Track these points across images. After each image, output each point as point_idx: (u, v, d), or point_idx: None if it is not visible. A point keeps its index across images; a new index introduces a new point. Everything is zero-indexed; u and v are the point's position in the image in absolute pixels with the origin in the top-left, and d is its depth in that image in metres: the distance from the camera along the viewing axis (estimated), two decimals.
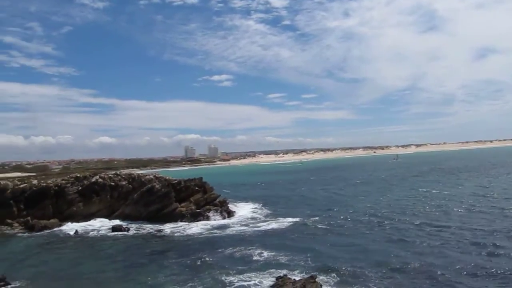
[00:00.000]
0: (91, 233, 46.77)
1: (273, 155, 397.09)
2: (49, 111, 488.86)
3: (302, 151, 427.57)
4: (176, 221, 50.31)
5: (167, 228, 47.18)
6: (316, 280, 22.09)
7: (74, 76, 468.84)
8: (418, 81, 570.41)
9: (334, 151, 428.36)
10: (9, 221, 52.41)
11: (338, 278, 25.42)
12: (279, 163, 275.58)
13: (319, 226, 43.14)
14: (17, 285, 25.96)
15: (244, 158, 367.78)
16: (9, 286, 26.40)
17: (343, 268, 27.39)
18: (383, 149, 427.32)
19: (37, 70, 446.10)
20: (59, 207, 55.57)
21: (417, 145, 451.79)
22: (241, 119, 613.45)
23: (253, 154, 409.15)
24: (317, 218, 47.67)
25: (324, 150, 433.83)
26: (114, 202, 56.84)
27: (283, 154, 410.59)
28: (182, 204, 53.55)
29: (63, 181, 58.71)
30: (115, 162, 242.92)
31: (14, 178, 69.49)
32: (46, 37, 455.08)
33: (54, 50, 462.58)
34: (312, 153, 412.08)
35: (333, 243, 35.04)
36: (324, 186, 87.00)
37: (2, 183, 58.02)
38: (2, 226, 51.59)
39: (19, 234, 48.02)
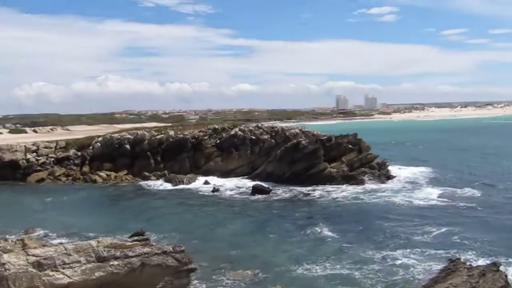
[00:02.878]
0: (229, 191, 50.13)
1: (447, 109, 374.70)
2: (185, 54, 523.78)
3: (487, 104, 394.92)
4: (324, 184, 51.16)
5: (315, 191, 48.27)
6: (499, 268, 20.71)
7: (210, 14, 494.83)
8: None
9: None
10: (146, 173, 58.75)
11: None
12: (458, 118, 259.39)
13: (501, 201, 40.42)
14: (154, 238, 29.08)
15: (409, 112, 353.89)
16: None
17: None
18: None
19: (171, 9, 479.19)
20: (196, 161, 60.64)
21: None
22: (407, 62, 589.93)
23: (421, 106, 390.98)
24: (497, 192, 44.67)
25: None
26: (255, 158, 59.88)
27: (461, 107, 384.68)
28: (332, 165, 54.12)
29: (201, 133, 63.58)
30: (256, 113, 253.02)
31: (150, 128, 77.12)
32: None
33: None
34: (501, 106, 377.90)
35: None
36: None
37: (139, 133, 64.93)
38: (139, 179, 58.12)
39: (157, 188, 53.69)
